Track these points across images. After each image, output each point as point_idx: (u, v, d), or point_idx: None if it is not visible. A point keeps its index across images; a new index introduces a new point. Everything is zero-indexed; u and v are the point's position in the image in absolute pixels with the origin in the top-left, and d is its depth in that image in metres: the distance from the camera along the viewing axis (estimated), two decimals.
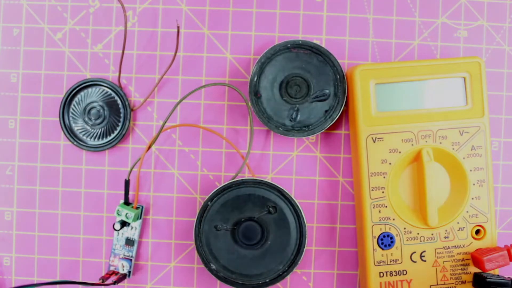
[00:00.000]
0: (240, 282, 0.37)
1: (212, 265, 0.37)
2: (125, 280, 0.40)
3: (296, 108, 0.37)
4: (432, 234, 0.36)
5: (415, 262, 0.37)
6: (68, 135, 0.39)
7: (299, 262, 0.37)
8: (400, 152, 0.36)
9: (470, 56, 0.39)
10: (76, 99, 0.40)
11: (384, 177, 0.36)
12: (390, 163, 0.36)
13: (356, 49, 0.40)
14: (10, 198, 0.40)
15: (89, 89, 0.40)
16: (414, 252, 0.37)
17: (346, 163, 0.40)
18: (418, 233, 0.36)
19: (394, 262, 0.36)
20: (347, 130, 0.40)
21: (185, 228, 0.40)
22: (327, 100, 0.37)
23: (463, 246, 0.37)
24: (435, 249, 0.36)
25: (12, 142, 0.40)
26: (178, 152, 0.40)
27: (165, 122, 0.37)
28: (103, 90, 0.40)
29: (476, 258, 0.36)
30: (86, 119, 0.40)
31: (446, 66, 0.36)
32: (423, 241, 0.36)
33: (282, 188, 0.37)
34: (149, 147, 0.38)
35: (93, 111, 0.40)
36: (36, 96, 0.40)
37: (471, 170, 0.36)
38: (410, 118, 0.36)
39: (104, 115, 0.40)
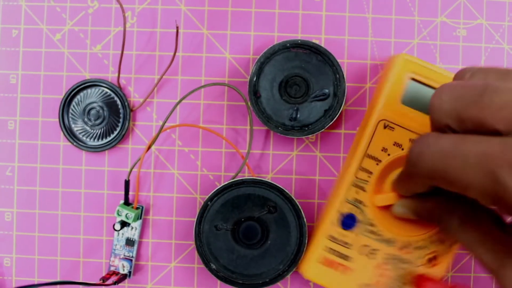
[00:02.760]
0: (240, 281, 0.37)
1: (212, 264, 0.37)
2: (125, 280, 0.40)
3: (295, 108, 0.37)
4: (391, 239, 0.36)
5: (362, 254, 0.36)
6: (67, 136, 0.39)
7: (299, 262, 0.37)
8: (403, 149, 0.36)
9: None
10: (75, 99, 0.40)
11: (377, 164, 0.36)
12: (389, 154, 0.36)
13: (356, 48, 0.40)
14: (10, 199, 0.40)
15: (89, 90, 0.40)
16: (367, 246, 0.36)
17: None
18: (380, 230, 0.36)
19: (344, 244, 0.36)
20: (347, 130, 0.40)
21: (185, 228, 0.40)
22: (326, 99, 0.37)
23: (412, 264, 0.36)
24: (386, 253, 0.36)
25: (11, 143, 0.40)
26: (178, 152, 0.40)
27: (165, 122, 0.37)
28: (103, 90, 0.40)
29: (418, 281, 0.35)
30: (86, 119, 0.40)
31: None
32: (380, 240, 0.36)
33: (282, 187, 0.37)
34: (149, 148, 0.38)
35: (92, 111, 0.40)
36: (36, 97, 0.40)
37: None
38: (425, 124, 0.36)
39: (104, 115, 0.40)
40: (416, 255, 0.36)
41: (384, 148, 0.36)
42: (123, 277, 0.39)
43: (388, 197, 0.35)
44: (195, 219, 0.37)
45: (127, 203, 0.39)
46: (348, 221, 0.36)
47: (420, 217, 0.33)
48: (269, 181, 0.37)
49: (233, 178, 0.38)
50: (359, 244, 0.36)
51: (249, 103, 0.38)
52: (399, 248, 0.36)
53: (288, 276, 0.38)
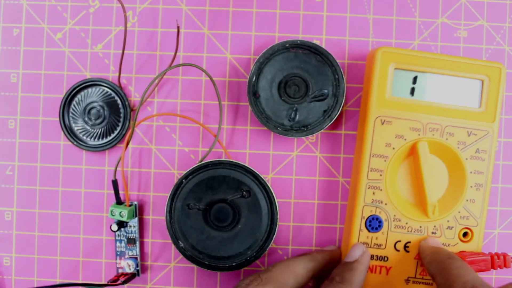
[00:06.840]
0: (207, 263, 0.37)
1: (180, 242, 0.37)
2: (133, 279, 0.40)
3: (294, 108, 0.37)
4: (420, 227, 0.36)
5: (398, 251, 0.36)
6: (68, 135, 0.40)
7: (267, 249, 0.37)
8: (405, 140, 0.36)
9: (494, 61, 0.37)
10: (76, 99, 0.40)
11: (385, 161, 0.36)
12: (393, 148, 0.36)
13: (356, 49, 0.40)
14: (10, 198, 0.40)
15: (89, 89, 0.40)
16: (399, 241, 0.36)
17: (346, 163, 0.40)
18: (406, 223, 0.36)
19: (378, 247, 0.36)
20: (347, 130, 0.40)
21: None
22: (325, 100, 0.37)
23: (448, 245, 0.36)
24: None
25: (12, 142, 0.40)
26: (178, 152, 0.40)
27: (135, 121, 0.37)
28: (103, 90, 0.40)
29: None
30: (86, 119, 0.40)
31: (467, 65, 0.36)
32: (410, 231, 0.36)
33: (257, 173, 0.37)
34: (127, 144, 0.37)
35: (93, 111, 0.40)
36: (36, 96, 0.40)
37: (471, 172, 0.36)
38: (421, 108, 0.36)
39: (104, 115, 0.40)
40: (449, 235, 0.36)
41: (387, 143, 0.36)
42: (132, 276, 0.39)
43: None
44: (168, 195, 0.37)
45: (119, 202, 0.39)
46: (374, 224, 0.36)
47: None
48: (246, 165, 0.37)
49: (206, 155, 0.38)
50: (391, 242, 0.36)
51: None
52: (430, 234, 0.36)
53: (257, 261, 0.38)
